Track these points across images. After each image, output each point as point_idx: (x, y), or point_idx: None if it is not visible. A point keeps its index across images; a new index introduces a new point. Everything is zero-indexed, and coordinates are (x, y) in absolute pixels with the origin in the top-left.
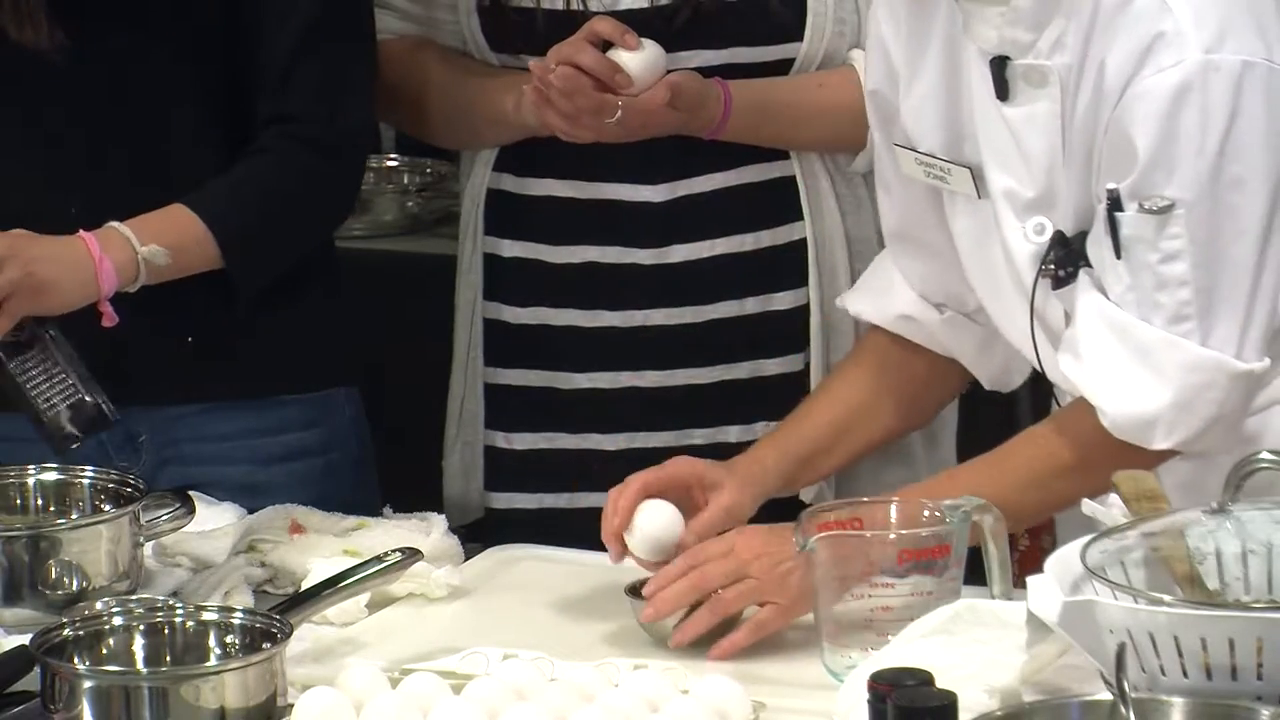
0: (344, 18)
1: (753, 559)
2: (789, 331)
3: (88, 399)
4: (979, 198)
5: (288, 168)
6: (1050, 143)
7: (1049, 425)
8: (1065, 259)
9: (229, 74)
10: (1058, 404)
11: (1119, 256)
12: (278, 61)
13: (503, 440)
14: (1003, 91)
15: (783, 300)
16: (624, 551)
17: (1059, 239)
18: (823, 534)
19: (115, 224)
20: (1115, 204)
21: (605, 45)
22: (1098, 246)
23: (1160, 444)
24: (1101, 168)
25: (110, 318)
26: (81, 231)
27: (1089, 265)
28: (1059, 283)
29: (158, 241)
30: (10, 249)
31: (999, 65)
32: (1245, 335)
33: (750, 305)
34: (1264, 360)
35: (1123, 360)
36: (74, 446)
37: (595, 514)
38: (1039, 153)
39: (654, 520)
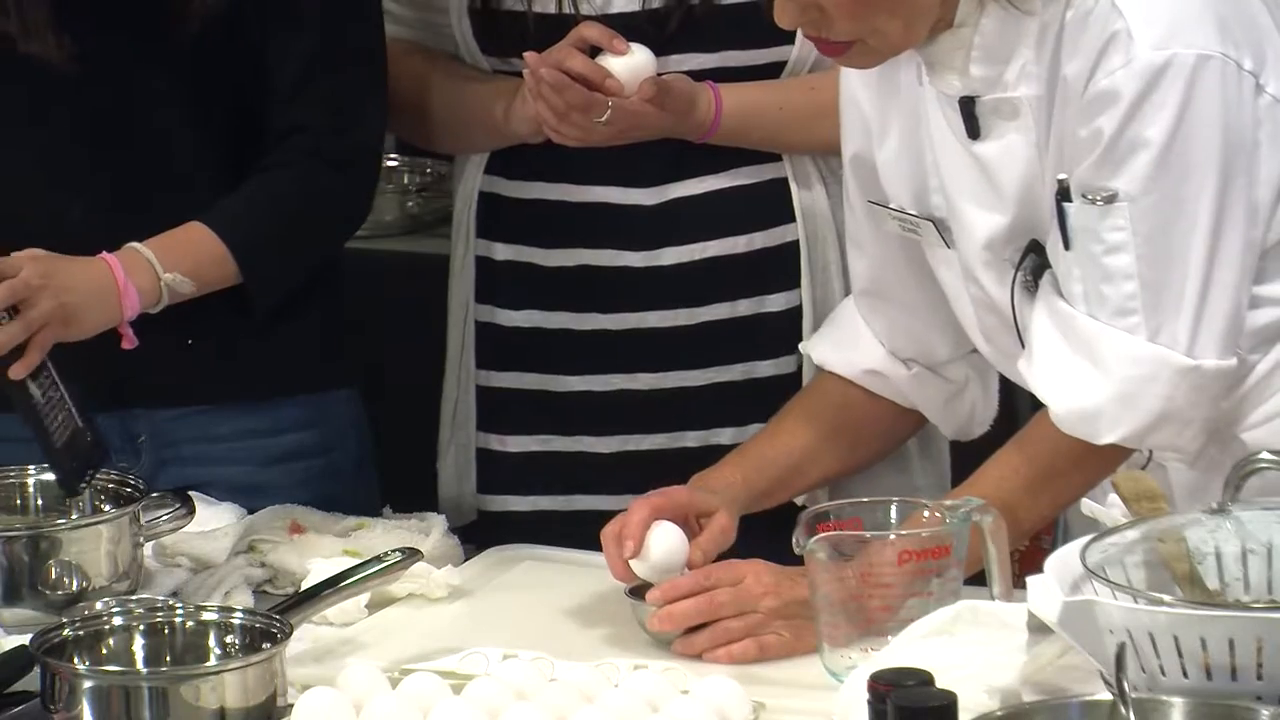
0: (358, 28)
1: (763, 594)
2: (782, 333)
3: (83, 429)
4: (948, 248)
5: (303, 183)
6: (1026, 173)
7: (1011, 444)
8: (1040, 267)
9: (234, 80)
10: None
11: (1067, 248)
12: (292, 72)
13: (496, 443)
14: (974, 130)
15: (775, 302)
16: (632, 576)
17: (1033, 246)
18: (823, 534)
19: (137, 246)
20: (1064, 194)
21: (595, 51)
22: (1052, 243)
23: (1106, 438)
24: (1068, 165)
25: (130, 340)
26: (104, 254)
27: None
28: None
29: (178, 261)
30: (43, 276)
31: (968, 104)
32: (1198, 331)
33: (743, 307)
34: (1227, 359)
35: (1067, 354)
36: (82, 487)
37: (588, 517)
38: (1014, 185)
39: (665, 544)
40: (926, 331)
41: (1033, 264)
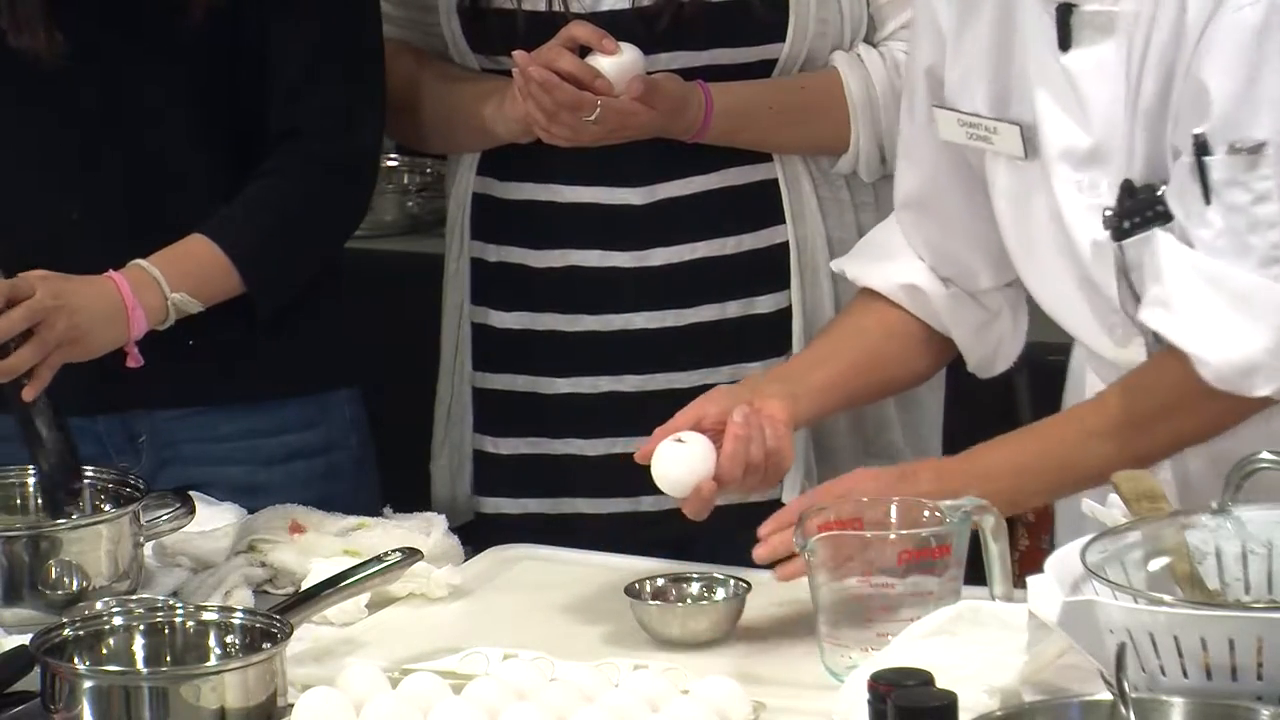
0: (360, 29)
1: (855, 485)
2: (771, 335)
3: (65, 451)
4: (1025, 158)
5: (303, 190)
6: (1113, 91)
7: (1114, 386)
8: (1132, 209)
9: (230, 78)
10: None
11: (1208, 202)
12: (291, 73)
13: (490, 445)
14: (1065, 40)
15: (764, 304)
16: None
17: (1127, 188)
18: (823, 534)
19: (142, 263)
20: (1203, 148)
21: (585, 50)
22: (1182, 197)
23: (1262, 390)
24: (1180, 115)
25: (135, 359)
26: (112, 273)
27: (1163, 220)
28: (1122, 234)
29: (183, 275)
30: (55, 296)
31: (1064, 12)
32: None
33: (732, 309)
34: None
35: (1219, 308)
36: (67, 508)
37: (577, 520)
38: (1101, 102)
39: (673, 461)
40: (969, 253)
41: (1125, 206)
